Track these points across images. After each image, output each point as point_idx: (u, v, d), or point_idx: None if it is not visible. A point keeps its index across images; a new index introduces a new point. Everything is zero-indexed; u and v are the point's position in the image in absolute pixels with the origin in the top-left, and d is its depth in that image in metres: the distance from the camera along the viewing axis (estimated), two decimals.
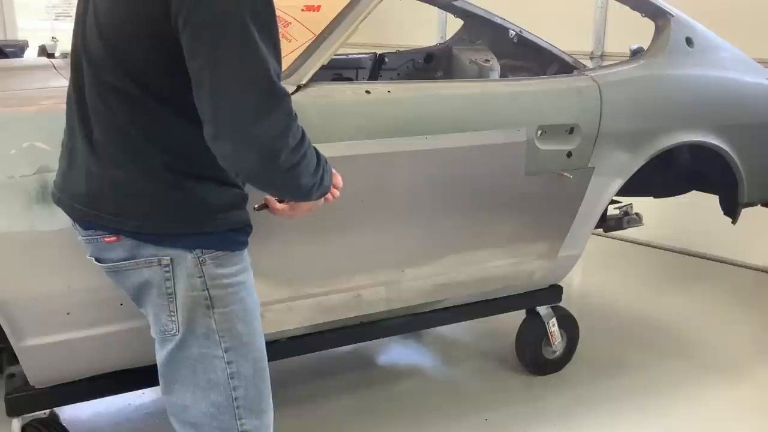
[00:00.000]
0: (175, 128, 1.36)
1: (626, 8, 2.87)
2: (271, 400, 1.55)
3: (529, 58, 3.15)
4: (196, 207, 1.39)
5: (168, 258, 1.39)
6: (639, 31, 2.99)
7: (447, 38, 3.56)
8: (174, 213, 1.38)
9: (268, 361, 1.57)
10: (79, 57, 1.43)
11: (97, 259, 1.46)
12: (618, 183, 2.57)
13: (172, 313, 1.42)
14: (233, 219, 1.44)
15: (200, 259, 1.40)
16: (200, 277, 1.40)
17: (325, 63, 2.03)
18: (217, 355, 1.44)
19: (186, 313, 1.42)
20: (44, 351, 1.85)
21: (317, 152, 1.44)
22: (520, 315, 2.84)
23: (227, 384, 1.45)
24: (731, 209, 2.97)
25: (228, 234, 1.42)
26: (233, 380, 1.46)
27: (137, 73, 1.33)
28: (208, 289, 1.41)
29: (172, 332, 1.43)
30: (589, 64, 4.04)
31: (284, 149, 1.31)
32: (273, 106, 1.29)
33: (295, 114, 1.34)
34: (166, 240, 1.38)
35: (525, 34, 3.14)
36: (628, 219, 3.11)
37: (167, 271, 1.40)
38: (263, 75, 1.27)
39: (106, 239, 1.40)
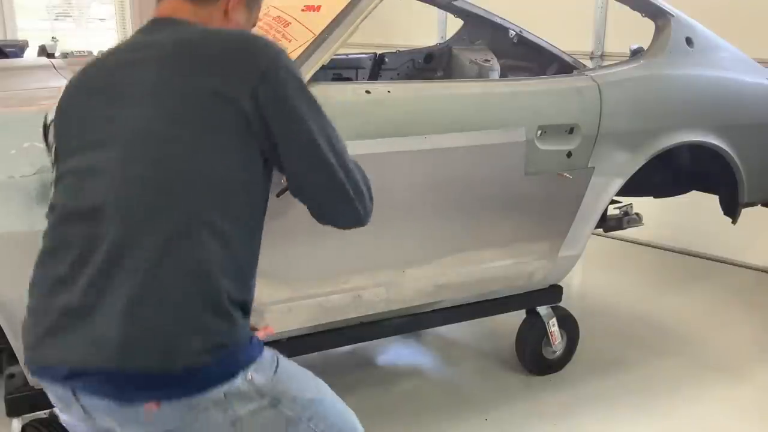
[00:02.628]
0: (218, 256, 1.29)
1: (626, 8, 2.87)
2: (356, 420, 1.63)
3: (529, 58, 3.15)
4: (230, 333, 1.30)
5: (221, 393, 1.29)
6: (639, 31, 2.99)
7: (447, 38, 3.56)
8: (210, 344, 1.28)
9: None
10: (87, 182, 1.29)
11: None
12: (618, 183, 2.57)
13: None
14: (248, 328, 1.39)
15: (247, 378, 1.33)
16: (256, 392, 1.35)
17: (326, 63, 2.03)
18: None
19: (260, 425, 1.38)
20: None
21: None
22: (520, 315, 2.84)
23: None
24: (731, 209, 2.97)
25: (251, 343, 1.37)
26: None
27: (191, 198, 1.26)
28: (266, 396, 1.37)
29: None
30: (589, 64, 4.04)
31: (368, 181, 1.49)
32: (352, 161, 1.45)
33: None
34: (209, 379, 1.29)
35: (525, 34, 3.14)
36: (628, 219, 3.11)
37: (225, 407, 1.31)
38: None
39: (146, 407, 1.23)
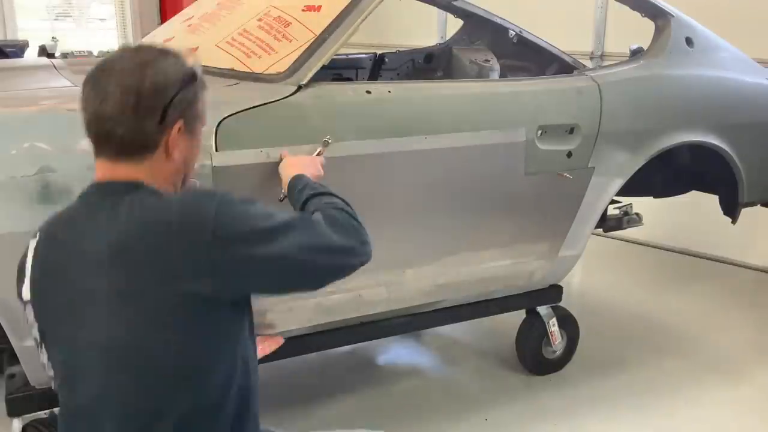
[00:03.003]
0: (219, 424, 1.30)
1: (626, 8, 2.88)
2: None
3: (529, 58, 3.15)
4: None
5: None
6: (639, 31, 2.99)
7: (447, 38, 3.56)
8: None
9: (270, 360, 1.57)
10: (75, 383, 1.31)
11: None
12: (618, 183, 2.57)
13: None
14: None
15: None
16: None
17: (326, 63, 2.03)
18: None
19: None
20: None
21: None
22: (520, 315, 2.84)
23: None
24: (731, 209, 2.97)
25: None
26: None
27: (177, 395, 1.26)
28: None
29: None
30: (589, 64, 4.04)
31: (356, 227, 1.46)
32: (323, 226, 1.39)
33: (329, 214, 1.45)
34: None
35: (525, 34, 3.14)
36: (628, 219, 3.12)
37: None
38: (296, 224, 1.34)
39: None
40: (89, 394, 1.28)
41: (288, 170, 1.77)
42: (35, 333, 1.39)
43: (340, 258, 1.38)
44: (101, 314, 1.26)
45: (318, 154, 1.90)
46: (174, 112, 1.30)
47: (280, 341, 1.72)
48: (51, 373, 1.38)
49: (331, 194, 1.57)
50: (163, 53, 1.32)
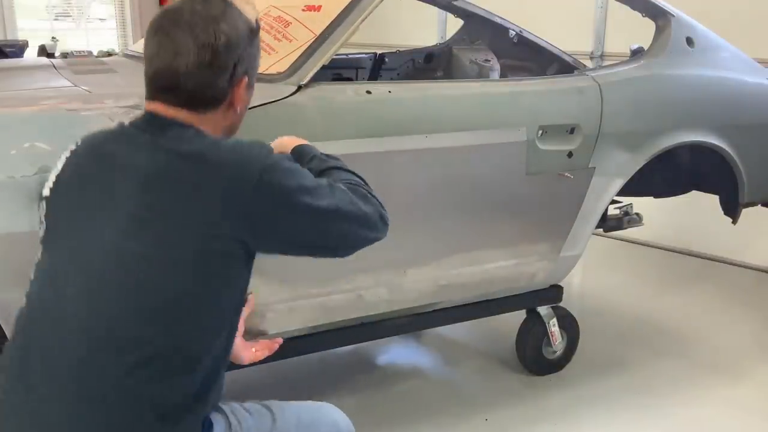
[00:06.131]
0: (185, 381, 1.24)
1: (626, 8, 2.88)
2: (335, 415, 1.50)
3: (529, 58, 3.15)
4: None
5: None
6: (639, 31, 2.99)
7: (447, 38, 3.56)
8: None
9: (270, 361, 1.56)
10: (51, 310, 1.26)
11: None
12: (619, 183, 2.57)
13: None
14: (200, 417, 1.32)
15: None
16: None
17: (326, 63, 2.03)
18: None
19: None
20: None
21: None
22: (520, 315, 2.84)
23: None
24: (731, 209, 2.97)
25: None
26: None
27: (168, 329, 1.21)
28: None
29: None
30: (589, 64, 4.04)
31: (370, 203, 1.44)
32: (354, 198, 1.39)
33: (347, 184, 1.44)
34: None
35: (525, 34, 3.14)
36: (628, 219, 3.11)
37: None
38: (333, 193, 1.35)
39: None
40: (68, 296, 1.23)
41: (288, 142, 1.69)
42: (41, 233, 1.35)
43: (365, 230, 1.39)
44: (117, 229, 1.23)
45: None
46: (241, 67, 1.33)
47: (279, 342, 1.71)
48: (32, 276, 1.33)
49: (347, 169, 1.55)
50: (228, 4, 1.32)
